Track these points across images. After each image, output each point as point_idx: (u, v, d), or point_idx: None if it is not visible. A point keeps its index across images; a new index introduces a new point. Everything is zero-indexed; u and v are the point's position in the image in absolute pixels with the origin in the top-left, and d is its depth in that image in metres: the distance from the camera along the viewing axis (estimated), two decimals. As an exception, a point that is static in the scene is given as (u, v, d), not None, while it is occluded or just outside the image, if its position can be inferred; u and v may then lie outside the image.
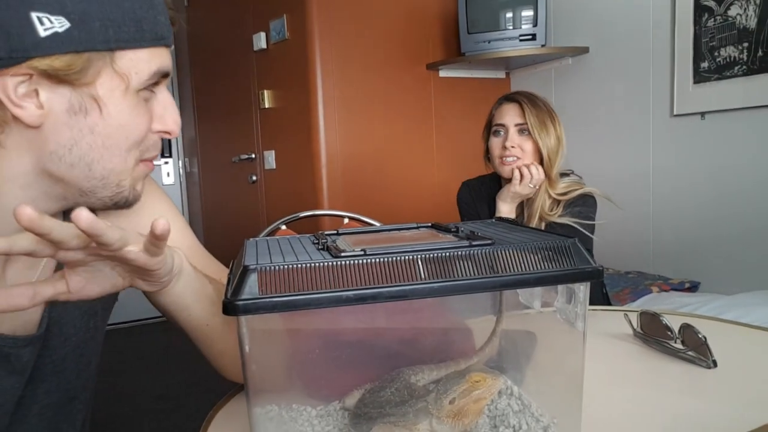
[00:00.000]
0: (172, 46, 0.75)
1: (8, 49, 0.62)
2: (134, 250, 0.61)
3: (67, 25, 0.63)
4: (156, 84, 0.73)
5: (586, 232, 1.75)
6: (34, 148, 0.68)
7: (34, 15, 0.62)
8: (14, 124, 0.66)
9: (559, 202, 1.79)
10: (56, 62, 0.64)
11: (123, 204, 0.76)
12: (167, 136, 0.77)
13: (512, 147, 1.79)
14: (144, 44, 0.69)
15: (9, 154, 0.68)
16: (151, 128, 0.74)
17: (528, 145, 1.79)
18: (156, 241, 0.61)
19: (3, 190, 0.70)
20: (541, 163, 1.78)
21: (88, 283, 0.65)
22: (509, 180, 1.82)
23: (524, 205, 1.84)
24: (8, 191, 0.70)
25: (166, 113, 0.75)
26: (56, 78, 0.65)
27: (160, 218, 0.59)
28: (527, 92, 1.86)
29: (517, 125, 1.80)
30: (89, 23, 0.64)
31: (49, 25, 0.62)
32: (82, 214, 0.54)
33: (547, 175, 1.78)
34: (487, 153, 1.91)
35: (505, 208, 1.82)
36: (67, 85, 0.66)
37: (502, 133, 1.83)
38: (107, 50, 0.66)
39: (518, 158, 1.79)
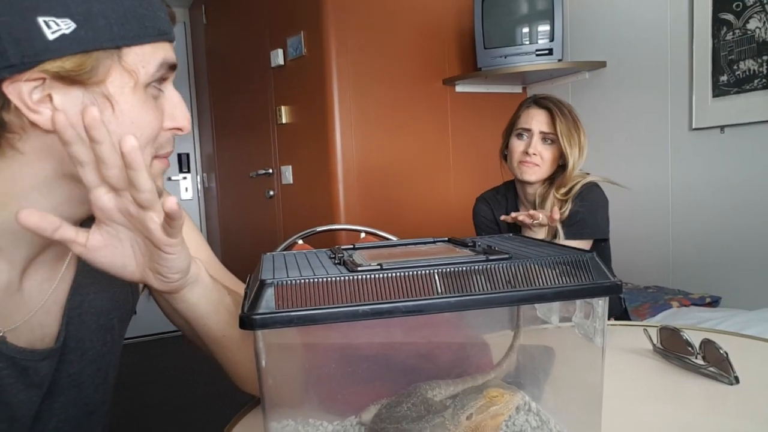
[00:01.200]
0: (175, 42, 0.77)
1: (20, 55, 0.63)
2: (156, 220, 0.63)
3: (73, 26, 0.65)
4: (164, 80, 0.75)
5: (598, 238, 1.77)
6: (54, 153, 0.69)
7: (40, 19, 0.64)
8: (32, 130, 0.68)
9: (566, 200, 1.79)
10: (67, 63, 0.65)
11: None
12: (179, 133, 0.79)
13: (534, 154, 1.80)
14: (148, 39, 0.71)
15: (29, 161, 0.70)
16: (163, 126, 0.76)
17: (548, 154, 1.80)
18: (169, 220, 0.63)
19: (25, 199, 0.71)
20: (563, 169, 1.79)
21: (104, 247, 0.66)
22: (523, 182, 1.84)
23: (536, 208, 1.82)
24: (31, 200, 0.71)
25: (176, 110, 0.77)
26: (68, 79, 0.66)
27: (170, 197, 0.61)
28: (556, 98, 1.85)
29: (542, 133, 1.80)
30: (94, 22, 0.66)
31: (56, 27, 0.64)
32: (129, 141, 0.58)
33: (563, 182, 1.79)
34: (504, 150, 1.92)
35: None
36: (79, 85, 0.68)
37: (525, 137, 1.83)
38: (114, 48, 0.68)
39: (537, 165, 1.80)
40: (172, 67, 0.75)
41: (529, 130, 1.82)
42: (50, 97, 0.67)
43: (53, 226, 0.61)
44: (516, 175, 1.87)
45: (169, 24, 0.75)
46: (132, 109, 0.71)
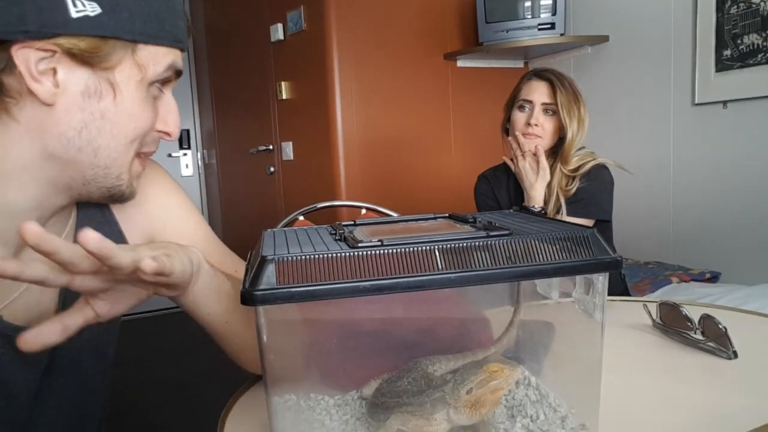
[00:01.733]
0: (185, 52, 0.79)
1: (38, 23, 0.64)
2: (149, 268, 0.60)
3: (98, 10, 0.66)
4: (167, 82, 0.77)
5: (601, 215, 1.79)
6: (44, 129, 0.70)
7: None
8: (29, 99, 0.68)
9: (574, 177, 1.81)
10: (82, 43, 0.66)
11: (119, 198, 0.78)
12: (166, 138, 0.80)
13: (535, 125, 1.82)
14: (164, 42, 0.73)
15: (20, 134, 0.70)
16: (155, 127, 0.78)
17: (549, 125, 1.82)
18: (154, 277, 0.63)
19: (15, 180, 0.71)
20: (563, 142, 1.80)
21: (113, 304, 0.67)
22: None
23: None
24: (21, 181, 0.71)
25: (169, 116, 0.79)
26: (79, 58, 0.67)
27: (143, 260, 0.59)
28: (556, 71, 1.87)
29: (543, 104, 1.82)
30: (119, 13, 0.68)
31: (81, 8, 0.66)
32: (89, 234, 0.54)
33: (564, 154, 1.80)
34: (506, 124, 1.94)
35: (535, 194, 1.82)
36: (87, 67, 0.69)
37: (527, 109, 1.85)
38: (131, 41, 0.70)
39: (538, 137, 1.82)
40: (178, 73, 0.78)
41: (530, 102, 1.83)
42: (54, 71, 0.68)
43: (59, 332, 0.61)
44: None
45: (185, 34, 0.77)
46: (132, 101, 0.72)
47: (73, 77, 0.68)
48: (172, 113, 0.79)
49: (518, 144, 1.84)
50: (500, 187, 1.99)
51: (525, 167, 1.82)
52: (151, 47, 0.72)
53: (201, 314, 0.80)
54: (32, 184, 0.72)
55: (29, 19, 0.64)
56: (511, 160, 1.89)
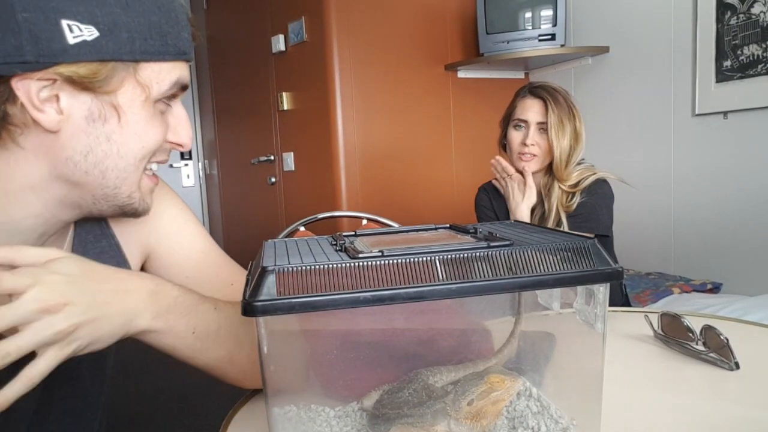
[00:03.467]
0: (192, 61, 0.77)
1: (36, 54, 0.63)
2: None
3: (96, 34, 0.65)
4: (173, 97, 0.76)
5: (600, 232, 1.79)
6: (51, 154, 0.69)
7: (64, 22, 0.63)
8: (33, 128, 0.68)
9: (574, 193, 1.82)
10: (81, 69, 0.65)
11: (132, 213, 0.78)
12: (179, 148, 0.79)
13: (531, 145, 1.83)
14: (167, 58, 0.71)
15: (27, 157, 0.69)
16: (166, 138, 0.76)
17: (545, 144, 1.84)
18: None
19: (20, 199, 0.71)
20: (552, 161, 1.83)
21: None
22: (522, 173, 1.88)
23: (543, 200, 1.87)
24: (25, 200, 0.71)
25: (180, 127, 0.77)
26: (80, 84, 0.66)
27: None
28: (551, 87, 1.88)
29: (539, 123, 1.84)
30: (117, 34, 0.66)
31: (78, 33, 0.64)
32: None
33: (558, 172, 1.82)
34: (503, 140, 1.96)
35: (520, 214, 1.84)
36: (89, 92, 0.67)
37: (523, 128, 1.87)
38: (132, 61, 0.68)
39: (535, 156, 1.84)
40: (184, 88, 0.76)
41: (525, 122, 1.86)
42: (57, 98, 0.67)
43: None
44: (516, 166, 1.90)
45: (190, 44, 0.75)
46: (138, 122, 0.71)
47: (76, 103, 0.67)
48: (183, 124, 0.78)
49: (503, 167, 1.89)
50: (499, 200, 2.00)
51: (513, 187, 1.86)
52: (154, 64, 0.70)
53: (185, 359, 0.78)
54: (38, 202, 0.72)
55: (26, 50, 0.62)
56: (496, 179, 1.94)
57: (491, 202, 2.02)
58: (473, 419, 0.60)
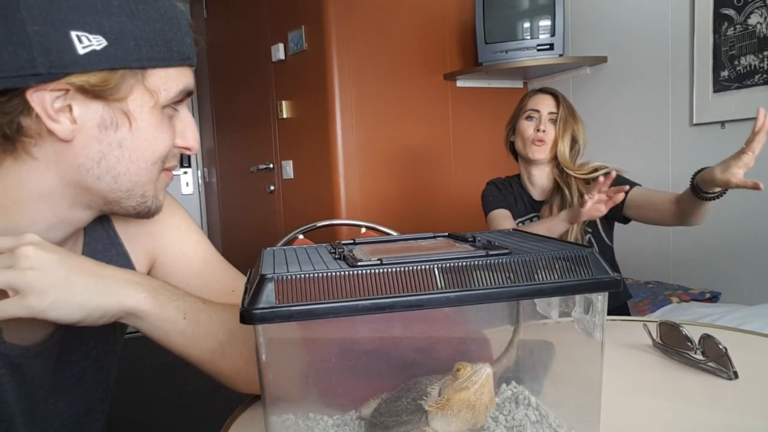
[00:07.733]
0: (196, 66, 0.79)
1: (48, 65, 0.65)
2: None
3: (104, 43, 0.67)
4: (180, 102, 0.77)
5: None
6: (63, 162, 0.71)
7: (73, 33, 0.65)
8: (47, 138, 0.69)
9: (589, 182, 1.91)
10: (92, 78, 0.67)
11: (145, 214, 0.79)
12: (188, 152, 0.81)
13: (543, 131, 1.94)
14: (173, 63, 0.73)
15: (38, 167, 0.71)
16: (174, 143, 0.78)
17: (553, 134, 1.95)
18: None
19: (26, 207, 0.72)
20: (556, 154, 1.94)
21: None
22: (531, 162, 1.98)
23: (561, 192, 1.94)
24: (32, 207, 0.72)
25: (187, 131, 0.79)
26: (91, 93, 0.68)
27: None
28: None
29: (550, 113, 1.96)
30: (125, 42, 0.68)
31: (87, 43, 0.66)
32: None
33: (563, 162, 1.92)
34: (510, 136, 2.06)
35: (562, 226, 1.77)
36: (100, 100, 0.69)
37: (535, 118, 1.98)
38: (140, 68, 0.70)
39: (545, 142, 1.94)
40: (189, 93, 0.78)
41: (537, 111, 1.97)
42: (70, 107, 0.68)
43: None
44: (528, 153, 1.97)
45: (193, 49, 0.77)
46: (148, 127, 0.73)
47: (89, 111, 0.69)
48: (190, 128, 0.80)
49: (599, 188, 1.63)
50: (509, 196, 2.07)
51: (591, 213, 1.66)
52: (160, 71, 0.72)
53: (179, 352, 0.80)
54: (47, 210, 0.73)
55: (38, 62, 0.64)
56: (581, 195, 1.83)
57: (502, 194, 2.08)
58: (443, 409, 0.60)
